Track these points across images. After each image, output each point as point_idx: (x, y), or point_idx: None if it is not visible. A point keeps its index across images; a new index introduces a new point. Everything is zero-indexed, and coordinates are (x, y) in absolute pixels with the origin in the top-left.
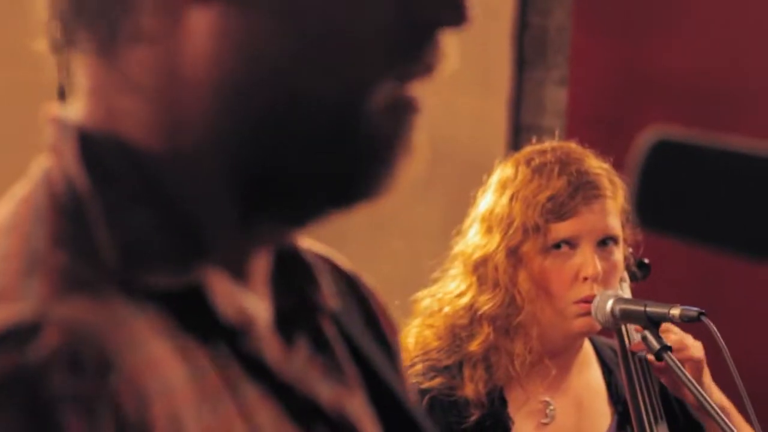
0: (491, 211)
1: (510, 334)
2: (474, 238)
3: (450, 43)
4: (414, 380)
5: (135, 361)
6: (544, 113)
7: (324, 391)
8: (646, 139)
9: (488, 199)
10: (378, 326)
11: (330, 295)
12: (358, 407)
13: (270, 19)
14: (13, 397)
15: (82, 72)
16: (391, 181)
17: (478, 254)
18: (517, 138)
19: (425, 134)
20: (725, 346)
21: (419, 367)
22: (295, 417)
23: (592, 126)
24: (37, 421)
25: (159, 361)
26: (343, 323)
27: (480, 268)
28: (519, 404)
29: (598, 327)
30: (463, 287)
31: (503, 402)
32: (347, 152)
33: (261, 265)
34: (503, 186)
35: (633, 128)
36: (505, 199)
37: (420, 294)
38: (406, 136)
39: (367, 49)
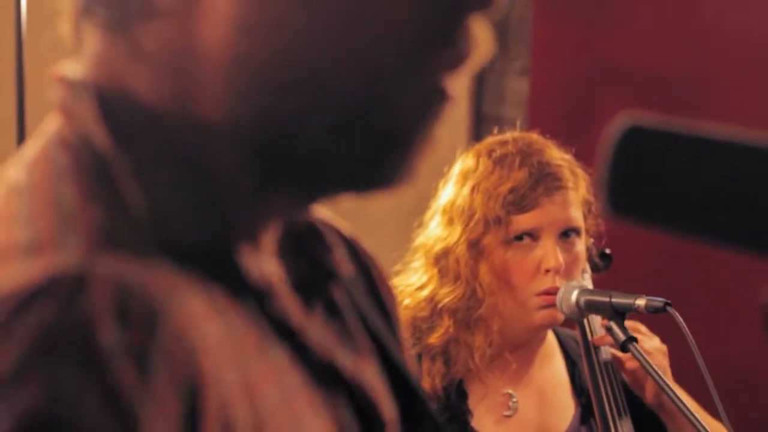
0: (452, 203)
1: (470, 327)
2: (435, 230)
3: (482, 31)
4: None
5: (180, 314)
6: (506, 104)
7: (342, 358)
8: (617, 125)
9: (449, 191)
10: (378, 293)
11: (343, 262)
12: (372, 377)
13: (285, 3)
14: (67, 349)
15: (90, 40)
16: (409, 171)
17: (439, 246)
18: (478, 129)
19: (446, 127)
20: (691, 337)
21: None
22: (318, 381)
23: (554, 116)
24: (92, 373)
25: (200, 315)
26: (352, 291)
27: (441, 261)
28: (479, 397)
29: (561, 319)
30: (424, 279)
31: (463, 394)
32: (368, 137)
33: (272, 233)
34: (464, 177)
35: (595, 118)
36: (466, 191)
37: None
38: (431, 127)
39: (392, 33)
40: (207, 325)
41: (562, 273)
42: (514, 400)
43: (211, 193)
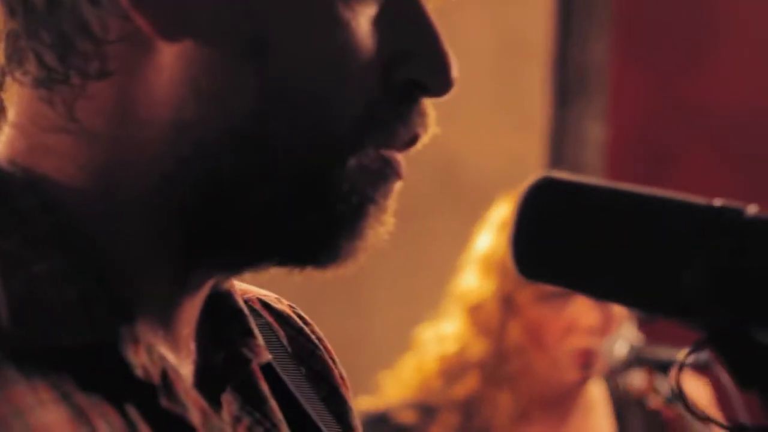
0: (488, 253)
1: (498, 383)
2: (470, 280)
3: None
4: (387, 408)
5: (17, 431)
6: (584, 148)
7: None
8: (528, 183)
9: (486, 240)
10: (330, 377)
11: (265, 347)
12: None
13: (241, 69)
14: None
15: (13, 103)
16: (349, 251)
17: (472, 298)
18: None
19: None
20: (736, 392)
21: (400, 398)
22: None
23: (632, 161)
24: None
25: (49, 428)
26: (281, 376)
27: (473, 313)
28: None
29: (594, 376)
30: (455, 330)
31: None
32: (310, 210)
33: (190, 312)
34: (502, 227)
35: (674, 163)
36: (502, 242)
37: (419, 330)
38: (381, 204)
39: (345, 113)
40: None
41: (596, 332)
42: None
43: (107, 283)
